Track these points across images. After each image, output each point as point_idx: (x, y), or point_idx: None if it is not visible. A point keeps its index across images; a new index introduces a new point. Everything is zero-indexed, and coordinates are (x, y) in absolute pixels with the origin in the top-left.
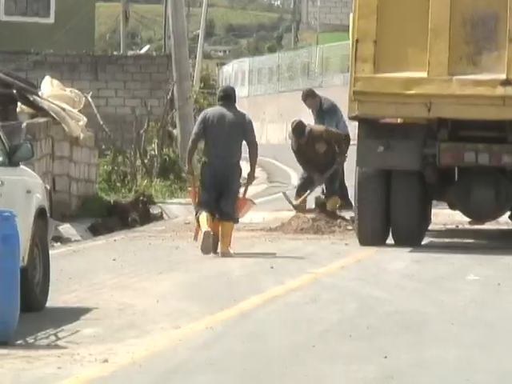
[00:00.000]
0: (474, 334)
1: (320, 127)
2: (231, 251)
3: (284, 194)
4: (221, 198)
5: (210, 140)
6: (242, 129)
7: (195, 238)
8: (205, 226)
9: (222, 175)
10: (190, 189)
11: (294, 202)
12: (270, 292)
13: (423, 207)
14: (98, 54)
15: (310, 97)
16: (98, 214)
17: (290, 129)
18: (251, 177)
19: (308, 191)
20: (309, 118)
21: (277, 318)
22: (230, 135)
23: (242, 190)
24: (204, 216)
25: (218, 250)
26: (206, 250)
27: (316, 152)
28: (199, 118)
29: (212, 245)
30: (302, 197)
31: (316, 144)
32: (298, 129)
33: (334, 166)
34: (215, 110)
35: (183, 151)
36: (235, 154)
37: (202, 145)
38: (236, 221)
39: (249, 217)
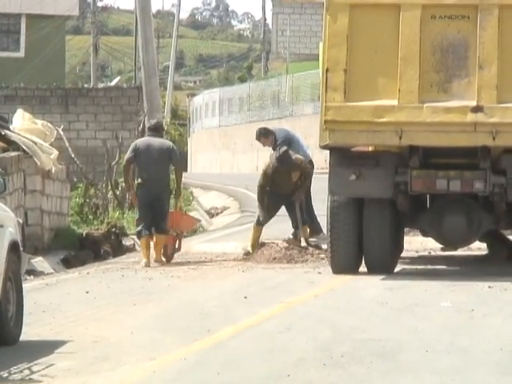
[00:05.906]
0: (448, 361)
1: (301, 158)
2: (163, 259)
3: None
4: (155, 214)
5: (141, 165)
6: (168, 154)
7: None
8: (144, 258)
9: (155, 195)
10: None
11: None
12: (243, 322)
13: (396, 235)
14: (68, 86)
15: (262, 136)
16: (71, 247)
17: (271, 152)
18: (178, 192)
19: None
20: None
21: (251, 347)
22: (158, 160)
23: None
24: (144, 243)
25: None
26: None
27: (289, 179)
28: (131, 147)
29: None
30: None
31: (292, 172)
32: (284, 157)
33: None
34: (144, 140)
35: None
36: (165, 176)
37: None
38: (167, 233)
39: (221, 247)
